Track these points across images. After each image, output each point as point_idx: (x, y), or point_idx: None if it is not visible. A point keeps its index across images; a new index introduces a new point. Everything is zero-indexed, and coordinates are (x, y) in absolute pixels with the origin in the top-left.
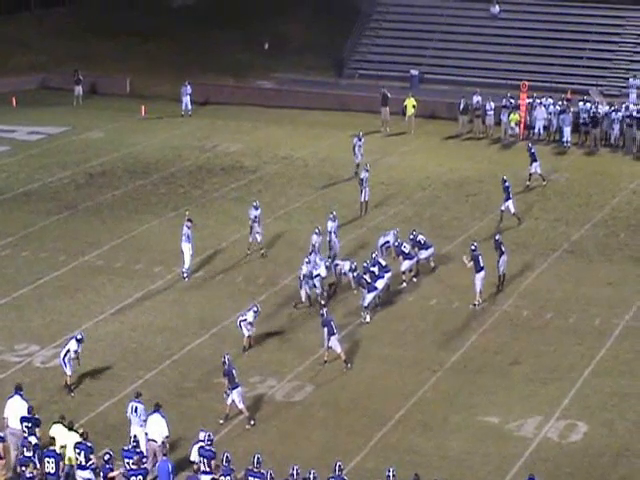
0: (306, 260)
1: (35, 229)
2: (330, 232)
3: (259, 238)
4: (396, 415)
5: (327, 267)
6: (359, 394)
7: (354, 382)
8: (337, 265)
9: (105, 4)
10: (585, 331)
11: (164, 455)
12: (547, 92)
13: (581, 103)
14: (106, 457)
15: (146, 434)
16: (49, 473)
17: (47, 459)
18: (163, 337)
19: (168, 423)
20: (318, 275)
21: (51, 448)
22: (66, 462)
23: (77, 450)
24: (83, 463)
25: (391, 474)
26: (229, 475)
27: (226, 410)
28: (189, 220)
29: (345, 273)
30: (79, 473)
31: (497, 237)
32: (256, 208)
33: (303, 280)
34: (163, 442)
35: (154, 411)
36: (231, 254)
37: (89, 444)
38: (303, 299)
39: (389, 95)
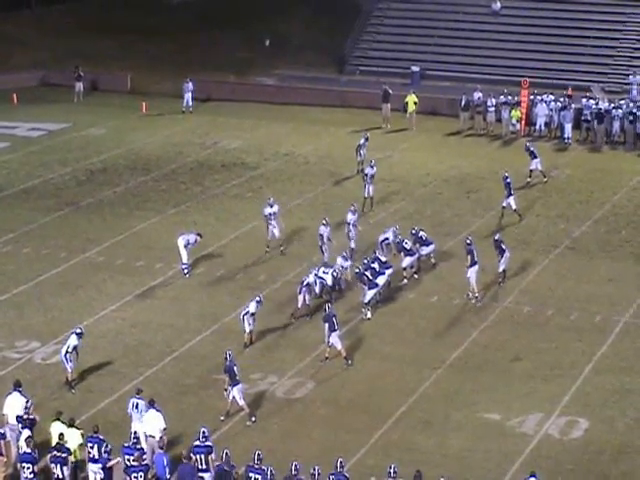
0: (315, 272)
1: (36, 226)
2: (349, 224)
3: (277, 234)
4: (397, 412)
5: (334, 277)
6: (360, 391)
7: (355, 379)
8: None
9: (105, 2)
10: (586, 328)
11: (160, 448)
12: (548, 89)
13: (584, 99)
14: (104, 448)
15: (144, 432)
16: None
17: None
18: (164, 334)
19: (165, 416)
20: (322, 279)
21: (62, 443)
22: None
23: (90, 444)
24: (96, 456)
25: (392, 471)
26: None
27: (227, 407)
28: (199, 235)
29: (342, 267)
30: (91, 467)
31: (496, 237)
32: (271, 205)
33: (305, 287)
34: (161, 436)
35: (149, 407)
36: (232, 251)
37: (101, 437)
38: (300, 305)
39: (390, 92)
